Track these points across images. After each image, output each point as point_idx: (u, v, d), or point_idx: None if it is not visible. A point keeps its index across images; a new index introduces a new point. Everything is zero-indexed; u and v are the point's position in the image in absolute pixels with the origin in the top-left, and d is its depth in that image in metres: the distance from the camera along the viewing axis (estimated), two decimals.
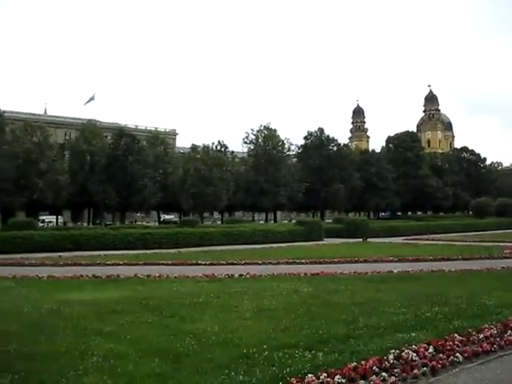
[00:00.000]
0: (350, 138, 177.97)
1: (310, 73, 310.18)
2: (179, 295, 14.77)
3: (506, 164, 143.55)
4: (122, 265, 24.59)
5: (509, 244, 35.85)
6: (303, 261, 25.37)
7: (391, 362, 7.96)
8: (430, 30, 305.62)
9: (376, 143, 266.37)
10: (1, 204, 63.46)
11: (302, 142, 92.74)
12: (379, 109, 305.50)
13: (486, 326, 10.31)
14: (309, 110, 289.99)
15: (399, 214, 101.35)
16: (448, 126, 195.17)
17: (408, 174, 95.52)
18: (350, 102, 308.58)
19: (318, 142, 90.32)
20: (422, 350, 8.52)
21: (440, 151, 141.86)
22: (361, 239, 44.57)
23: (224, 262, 25.10)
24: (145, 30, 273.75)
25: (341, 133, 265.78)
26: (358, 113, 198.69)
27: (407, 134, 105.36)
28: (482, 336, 9.56)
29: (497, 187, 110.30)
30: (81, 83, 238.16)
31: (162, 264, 24.79)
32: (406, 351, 8.36)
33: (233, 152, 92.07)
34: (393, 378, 7.35)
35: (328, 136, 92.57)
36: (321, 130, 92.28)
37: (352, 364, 7.70)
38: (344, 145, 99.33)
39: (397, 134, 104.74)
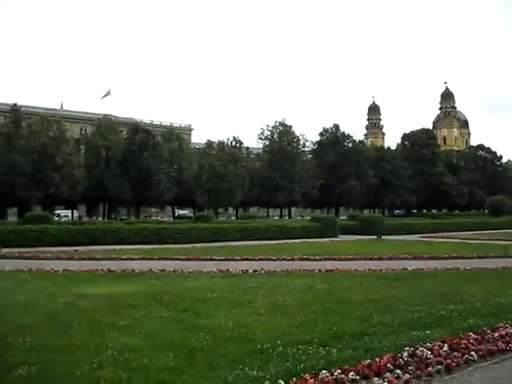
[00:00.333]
0: (365, 135, 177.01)
1: (325, 69, 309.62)
2: (193, 290, 14.79)
3: None
4: (136, 259, 24.67)
5: None
6: (317, 257, 25.31)
7: (405, 359, 7.93)
8: (448, 25, 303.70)
9: (391, 140, 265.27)
10: (17, 198, 63.93)
11: (317, 138, 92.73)
12: (395, 106, 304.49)
13: (501, 324, 10.25)
14: (324, 107, 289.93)
15: (414, 211, 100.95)
16: (464, 124, 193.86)
17: (423, 172, 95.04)
18: (365, 99, 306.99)
19: (333, 139, 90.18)
20: (437, 348, 8.48)
21: (456, 149, 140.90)
22: (375, 236, 44.39)
23: (238, 258, 25.10)
24: (161, 25, 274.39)
25: (356, 129, 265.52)
26: (374, 109, 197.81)
27: (423, 131, 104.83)
28: (496, 335, 9.50)
29: None
30: (97, 78, 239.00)
31: (177, 259, 24.82)
32: (421, 349, 8.33)
33: (248, 148, 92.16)
34: (407, 376, 7.32)
35: (343, 132, 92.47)
36: (336, 127, 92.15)
37: (366, 361, 7.68)
38: (359, 141, 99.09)
39: (412, 131, 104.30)
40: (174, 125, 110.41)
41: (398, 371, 7.45)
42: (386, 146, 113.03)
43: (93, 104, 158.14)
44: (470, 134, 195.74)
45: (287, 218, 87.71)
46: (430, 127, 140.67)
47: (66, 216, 75.40)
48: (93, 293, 14.23)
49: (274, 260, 24.54)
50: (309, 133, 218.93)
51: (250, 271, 19.58)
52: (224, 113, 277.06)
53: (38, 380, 6.98)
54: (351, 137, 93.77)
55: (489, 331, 9.67)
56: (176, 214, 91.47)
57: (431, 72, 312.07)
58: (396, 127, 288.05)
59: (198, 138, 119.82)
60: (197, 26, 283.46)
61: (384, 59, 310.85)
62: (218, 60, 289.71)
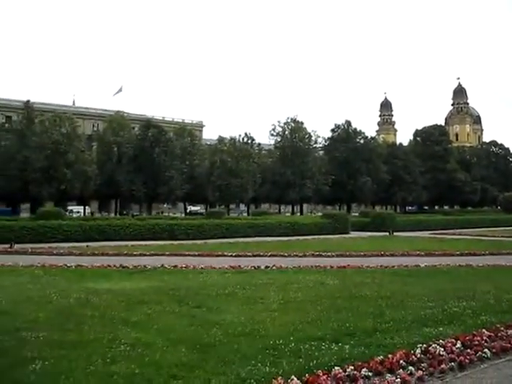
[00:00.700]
0: (377, 131, 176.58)
1: (337, 65, 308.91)
2: (206, 286, 14.81)
3: None
4: (148, 255, 24.74)
5: None
6: (329, 253, 25.30)
7: (418, 356, 7.90)
8: (461, 20, 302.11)
9: (403, 136, 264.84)
10: (30, 194, 64.33)
11: (329, 134, 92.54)
12: (407, 102, 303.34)
13: None
14: (336, 103, 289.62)
15: (426, 208, 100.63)
16: (477, 120, 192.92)
17: (435, 168, 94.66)
18: (377, 95, 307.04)
19: (344, 135, 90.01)
20: (450, 344, 8.43)
21: (468, 145, 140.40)
22: (387, 233, 44.28)
23: (250, 254, 25.13)
24: (173, 21, 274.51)
25: (368, 126, 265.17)
26: (386, 106, 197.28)
27: (435, 127, 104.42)
28: (510, 332, 9.43)
29: None
30: (109, 75, 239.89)
31: (189, 255, 24.87)
32: (434, 346, 8.29)
33: (259, 144, 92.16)
34: (420, 373, 7.29)
35: (355, 129, 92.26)
36: (348, 123, 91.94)
37: (379, 357, 7.66)
38: (371, 138, 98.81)
39: (424, 127, 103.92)
40: (185, 121, 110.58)
41: (410, 368, 7.42)
42: (397, 143, 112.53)
43: (105, 101, 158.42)
44: (482, 130, 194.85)
45: (299, 214, 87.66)
46: (443, 123, 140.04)
47: (78, 212, 75.76)
48: (105, 288, 14.30)
49: (286, 256, 24.53)
50: (320, 129, 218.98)
51: (262, 267, 19.59)
52: (235, 109, 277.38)
53: (52, 375, 7.01)
54: (363, 133, 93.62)
55: (502, 328, 9.61)
56: (188, 211, 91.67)
57: (443, 68, 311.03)
58: (408, 123, 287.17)
59: (210, 134, 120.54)
60: (209, 22, 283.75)
61: (396, 55, 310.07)
62: (229, 56, 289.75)
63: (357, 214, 66.29)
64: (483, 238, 39.96)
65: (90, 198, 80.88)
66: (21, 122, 69.91)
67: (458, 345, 8.46)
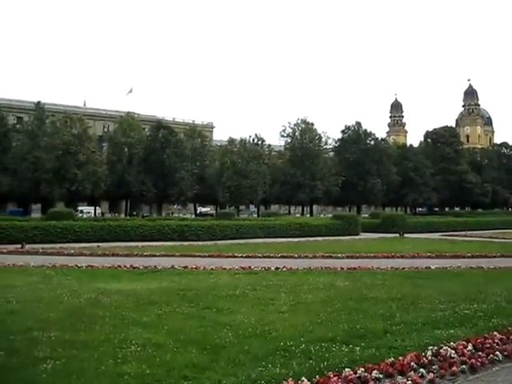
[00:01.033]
0: (387, 133, 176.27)
1: (348, 67, 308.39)
2: (216, 287, 14.82)
3: None
4: (159, 256, 24.79)
5: None
6: (340, 255, 25.26)
7: (429, 358, 7.86)
8: (472, 21, 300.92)
9: (414, 138, 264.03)
10: (41, 194, 64.64)
11: (339, 135, 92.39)
12: (418, 103, 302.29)
13: None
14: (346, 104, 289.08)
15: (436, 209, 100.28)
16: (488, 121, 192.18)
17: (446, 170, 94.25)
18: (388, 96, 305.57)
19: (355, 136, 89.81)
20: (461, 347, 8.38)
21: (479, 146, 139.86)
22: (397, 234, 44.17)
23: (260, 255, 25.14)
24: (183, 23, 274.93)
25: (378, 127, 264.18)
26: (396, 107, 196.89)
27: (446, 128, 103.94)
28: None
29: None
30: (119, 76, 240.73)
31: (199, 256, 24.90)
32: (445, 348, 8.24)
33: (269, 145, 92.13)
34: (431, 375, 7.25)
35: (365, 130, 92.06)
36: (358, 124, 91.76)
37: (389, 359, 7.64)
38: (381, 139, 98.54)
39: (435, 128, 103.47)
40: (196, 122, 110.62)
41: (421, 370, 7.39)
42: (408, 144, 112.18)
43: (115, 102, 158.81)
44: (493, 131, 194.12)
45: (309, 215, 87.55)
46: (453, 125, 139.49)
47: (88, 212, 75.98)
48: (116, 289, 14.34)
49: (296, 258, 24.52)
50: (331, 130, 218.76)
51: (272, 268, 19.57)
52: (246, 110, 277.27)
53: (63, 374, 7.04)
54: (373, 134, 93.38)
55: None
56: (198, 211, 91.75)
57: (454, 69, 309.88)
58: (419, 125, 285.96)
59: (220, 135, 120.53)
60: (220, 23, 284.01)
61: (407, 56, 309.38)
62: (240, 58, 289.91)
63: (367, 216, 66.22)
64: (494, 239, 39.81)
65: (101, 199, 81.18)
66: (32, 122, 70.30)
67: (470, 347, 8.41)
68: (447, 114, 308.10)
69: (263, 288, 14.71)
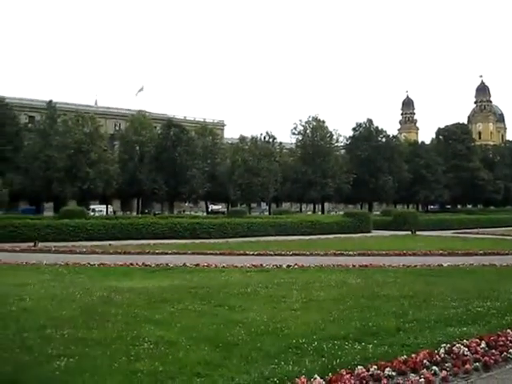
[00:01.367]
0: (399, 130, 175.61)
1: (359, 64, 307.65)
2: (228, 285, 14.84)
3: None
4: (170, 254, 24.85)
5: None
6: (351, 252, 25.22)
7: (442, 356, 7.84)
8: (484, 17, 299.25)
9: (426, 135, 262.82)
10: (53, 193, 64.94)
11: (351, 133, 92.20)
12: (429, 100, 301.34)
13: None
14: (358, 102, 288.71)
15: (448, 207, 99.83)
16: (500, 118, 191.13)
17: (458, 167, 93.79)
18: (399, 93, 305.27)
19: (366, 133, 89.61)
20: (474, 345, 8.35)
21: (491, 143, 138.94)
22: (409, 232, 44.04)
23: (272, 253, 25.14)
24: (194, 21, 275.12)
25: (390, 124, 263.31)
26: (408, 104, 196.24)
27: (458, 125, 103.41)
28: None
29: None
30: (130, 75, 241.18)
31: (211, 254, 24.94)
32: (458, 346, 8.21)
33: (281, 143, 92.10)
34: (444, 373, 7.23)
35: (377, 127, 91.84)
36: (369, 121, 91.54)
37: (402, 357, 7.62)
38: (393, 136, 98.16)
39: (447, 125, 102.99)
40: (207, 120, 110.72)
41: (434, 368, 7.37)
42: (420, 141, 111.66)
43: (127, 100, 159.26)
44: (505, 128, 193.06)
45: (320, 213, 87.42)
46: (465, 121, 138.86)
47: (100, 211, 76.16)
48: (128, 287, 14.38)
49: (308, 255, 24.51)
50: (342, 128, 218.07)
51: (284, 266, 19.58)
52: (256, 108, 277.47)
53: (77, 372, 7.08)
54: (385, 131, 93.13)
55: None
56: (209, 209, 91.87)
57: (466, 66, 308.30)
58: (430, 122, 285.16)
59: (231, 133, 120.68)
60: (231, 21, 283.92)
61: (418, 53, 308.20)
62: (251, 56, 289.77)
63: (378, 213, 66.01)
64: (507, 237, 39.57)
65: (113, 197, 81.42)
66: (44, 121, 70.62)
67: (483, 345, 8.38)
68: (459, 111, 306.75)
69: (275, 286, 14.72)
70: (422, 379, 6.93)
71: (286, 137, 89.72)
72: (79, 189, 65.39)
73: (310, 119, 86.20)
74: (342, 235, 40.84)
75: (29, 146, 67.66)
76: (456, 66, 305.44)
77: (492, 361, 7.83)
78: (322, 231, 42.67)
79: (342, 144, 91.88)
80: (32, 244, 29.12)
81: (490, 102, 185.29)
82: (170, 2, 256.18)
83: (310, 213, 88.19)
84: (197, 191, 76.08)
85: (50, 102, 71.93)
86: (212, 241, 33.96)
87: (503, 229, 50.23)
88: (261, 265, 19.82)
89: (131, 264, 20.12)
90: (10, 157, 64.44)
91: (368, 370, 7.06)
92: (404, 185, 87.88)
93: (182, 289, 14.11)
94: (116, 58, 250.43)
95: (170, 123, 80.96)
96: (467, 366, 7.55)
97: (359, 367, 7.12)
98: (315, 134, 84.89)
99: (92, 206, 75.02)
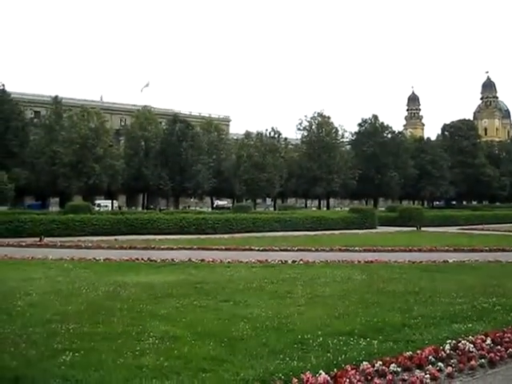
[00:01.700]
0: (404, 126, 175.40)
1: (364, 59, 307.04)
2: (233, 280, 14.85)
3: None
4: (176, 249, 24.83)
5: None
6: (357, 248, 25.16)
7: (447, 352, 7.82)
8: (490, 13, 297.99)
9: (431, 131, 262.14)
10: (59, 188, 65.07)
11: (356, 129, 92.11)
12: (435, 96, 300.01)
13: None
14: (363, 98, 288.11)
15: (454, 203, 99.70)
16: (506, 114, 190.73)
17: (464, 163, 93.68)
18: (404, 89, 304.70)
19: (372, 129, 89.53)
20: (480, 341, 8.34)
21: (497, 140, 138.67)
22: (415, 228, 43.95)
23: (277, 248, 25.11)
24: (199, 17, 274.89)
25: (395, 120, 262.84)
26: (413, 100, 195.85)
27: (463, 121, 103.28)
28: None
29: None
30: (136, 71, 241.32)
31: (216, 249, 24.90)
32: (463, 342, 8.20)
33: (286, 139, 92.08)
34: (449, 369, 7.22)
35: (382, 123, 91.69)
36: (375, 117, 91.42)
37: (407, 353, 7.61)
38: (398, 132, 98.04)
39: (453, 121, 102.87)
40: (212, 116, 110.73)
41: (439, 364, 7.36)
42: (425, 137, 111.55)
43: (132, 96, 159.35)
44: (511, 124, 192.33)
45: (325, 209, 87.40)
46: (471, 118, 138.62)
47: (106, 206, 76.22)
48: (133, 282, 14.39)
49: (313, 251, 24.46)
50: (347, 123, 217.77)
51: (289, 262, 19.57)
52: (262, 104, 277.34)
53: (82, 366, 7.09)
54: (390, 127, 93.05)
55: None
56: (214, 205, 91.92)
57: (472, 62, 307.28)
58: (436, 118, 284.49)
59: (237, 129, 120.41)
60: (235, 17, 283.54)
61: (424, 49, 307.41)
62: (256, 51, 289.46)
63: (384, 209, 65.87)
64: None
65: (118, 193, 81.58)
66: (49, 116, 70.73)
67: (488, 341, 8.36)
68: (465, 107, 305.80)
69: (280, 281, 14.72)
70: (428, 375, 6.91)
71: (292, 132, 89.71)
72: (85, 184, 65.51)
73: (316, 115, 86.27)
74: (348, 231, 40.78)
75: (35, 141, 67.81)
76: (462, 61, 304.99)
77: (497, 357, 7.81)
78: (327, 227, 42.61)
79: (348, 140, 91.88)
80: (38, 239, 29.18)
81: (496, 98, 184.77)
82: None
83: (315, 209, 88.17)
84: (202, 187, 76.13)
85: (56, 97, 72.05)
86: (217, 236, 33.95)
87: (509, 225, 49.97)
88: (266, 260, 19.81)
89: (137, 259, 20.14)
90: (15, 152, 64.55)
91: (373, 366, 7.05)
92: (409, 181, 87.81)
93: (187, 284, 14.12)
94: (122, 53, 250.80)
95: (175, 118, 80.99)
96: (473, 362, 7.54)
97: (364, 363, 7.11)
98: (321, 130, 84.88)
99: (97, 202, 75.16)
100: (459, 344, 8.13)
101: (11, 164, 62.98)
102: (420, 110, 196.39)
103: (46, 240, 28.89)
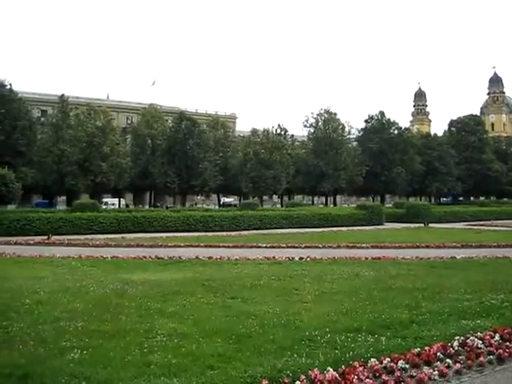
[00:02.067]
0: (411, 122, 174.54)
1: (371, 55, 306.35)
2: (240, 277, 14.86)
3: None
4: (183, 247, 24.90)
5: None
6: (364, 245, 25.17)
7: (456, 348, 7.82)
8: (496, 8, 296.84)
9: (438, 127, 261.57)
10: (66, 186, 65.20)
11: (363, 125, 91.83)
12: (441, 92, 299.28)
13: None
14: (369, 94, 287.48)
15: (461, 199, 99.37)
16: None
17: (471, 159, 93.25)
18: (411, 85, 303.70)
19: (378, 126, 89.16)
20: (488, 337, 8.33)
21: (504, 135, 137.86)
22: (422, 224, 43.89)
23: (284, 245, 25.14)
24: (205, 14, 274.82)
25: (402, 116, 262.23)
26: (420, 96, 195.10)
27: (470, 117, 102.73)
28: None
29: None
30: (142, 69, 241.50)
31: (223, 246, 24.97)
32: (471, 338, 8.20)
33: (292, 135, 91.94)
34: (458, 365, 7.21)
35: (389, 119, 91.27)
36: (381, 113, 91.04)
37: (416, 349, 7.61)
38: (405, 128, 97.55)
39: (459, 117, 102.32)
40: (218, 113, 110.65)
41: (448, 360, 7.35)
42: (432, 133, 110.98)
43: (138, 94, 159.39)
44: None
45: (332, 205, 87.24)
46: (478, 113, 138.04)
47: (113, 204, 76.30)
48: (141, 279, 14.43)
49: (320, 248, 24.47)
50: (354, 120, 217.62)
51: (297, 259, 19.58)
52: (269, 101, 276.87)
53: (90, 364, 7.12)
54: (397, 123, 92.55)
55: None
56: (221, 202, 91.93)
57: (479, 57, 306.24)
58: (443, 113, 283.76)
59: (243, 126, 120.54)
60: (241, 14, 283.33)
61: (430, 44, 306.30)
62: (262, 48, 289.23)
63: (391, 206, 65.83)
64: None
65: (125, 191, 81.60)
66: (56, 115, 70.74)
67: (497, 337, 8.36)
68: (472, 103, 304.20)
69: (287, 278, 14.75)
70: (436, 372, 6.92)
71: (298, 129, 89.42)
72: (92, 182, 65.56)
73: (322, 111, 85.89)
74: (355, 228, 40.81)
75: (42, 140, 67.83)
76: (469, 57, 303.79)
77: (506, 354, 7.80)
78: (334, 224, 42.68)
79: (354, 136, 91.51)
80: (45, 237, 29.30)
81: (503, 93, 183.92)
82: None
83: (322, 205, 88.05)
84: (209, 184, 76.06)
85: (62, 95, 72.05)
86: (224, 233, 34.03)
87: None
88: (273, 257, 19.83)
89: (144, 257, 20.19)
90: (23, 151, 64.56)
91: (381, 363, 7.06)
92: (416, 177, 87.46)
93: (194, 281, 14.14)
94: (128, 51, 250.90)
95: (181, 116, 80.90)
96: (481, 358, 7.53)
97: (372, 359, 7.12)
98: (327, 127, 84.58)
99: (104, 200, 75.25)
100: (467, 340, 8.12)
101: (18, 163, 63.03)
102: (427, 105, 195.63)
103: (54, 238, 29.02)
